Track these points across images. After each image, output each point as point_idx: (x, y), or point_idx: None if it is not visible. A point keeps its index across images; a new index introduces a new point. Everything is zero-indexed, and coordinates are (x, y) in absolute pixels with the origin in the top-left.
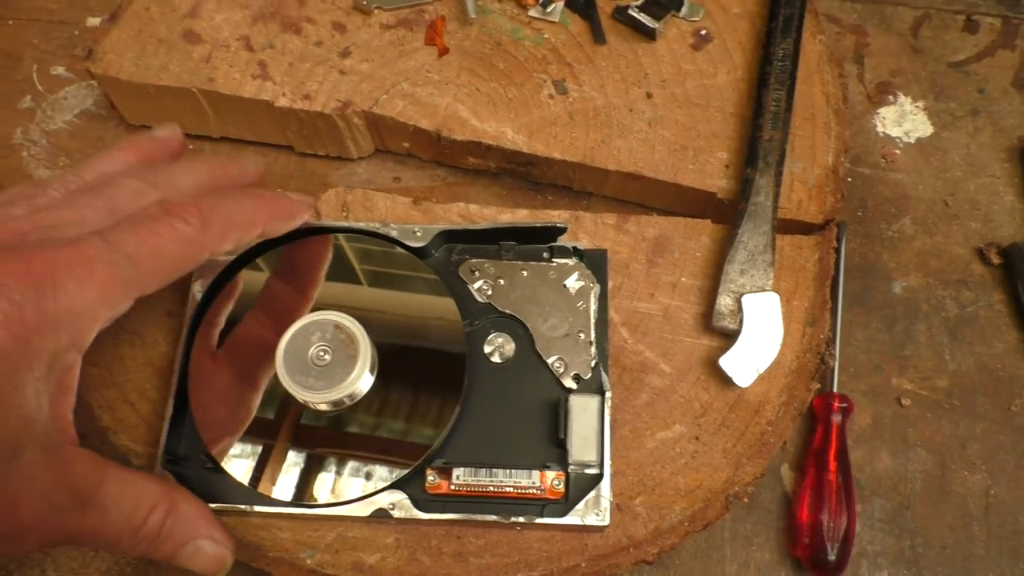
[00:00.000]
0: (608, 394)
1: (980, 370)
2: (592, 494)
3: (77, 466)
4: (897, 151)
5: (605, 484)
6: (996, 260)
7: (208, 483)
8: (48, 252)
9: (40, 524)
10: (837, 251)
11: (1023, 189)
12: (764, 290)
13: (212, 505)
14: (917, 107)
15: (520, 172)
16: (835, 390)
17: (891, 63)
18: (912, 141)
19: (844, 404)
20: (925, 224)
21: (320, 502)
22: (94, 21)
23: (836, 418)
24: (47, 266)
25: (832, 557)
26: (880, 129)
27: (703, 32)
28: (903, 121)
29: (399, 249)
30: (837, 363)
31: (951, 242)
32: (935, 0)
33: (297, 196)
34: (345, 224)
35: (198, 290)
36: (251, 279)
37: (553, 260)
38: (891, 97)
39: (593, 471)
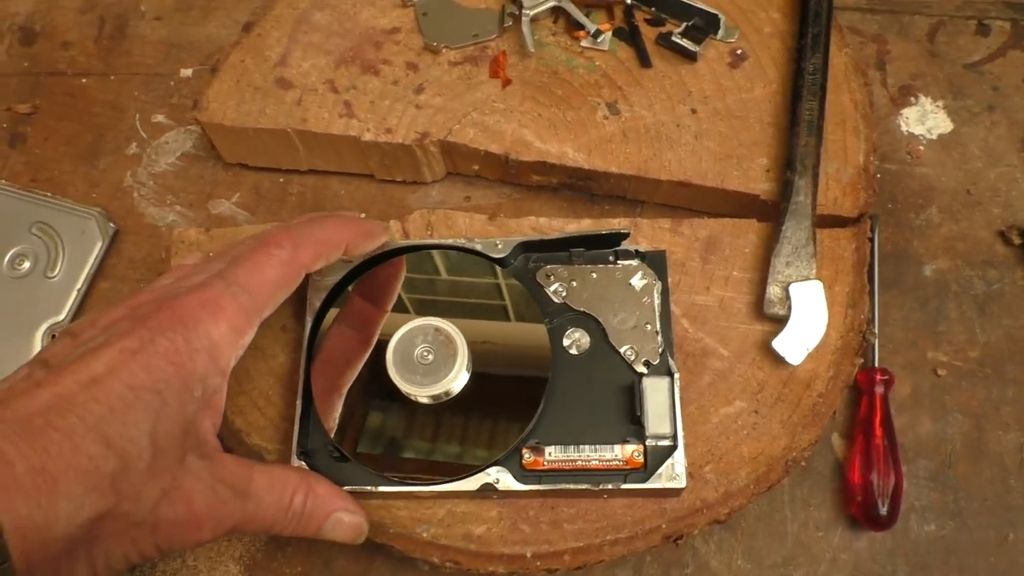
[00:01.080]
0: (676, 375)
1: (1008, 340)
2: (669, 461)
3: (228, 465)
4: (921, 147)
5: (679, 452)
6: (1017, 240)
7: (336, 471)
8: (186, 297)
9: (211, 514)
10: (871, 241)
11: None
12: (808, 279)
13: (342, 489)
14: (937, 106)
15: (579, 186)
16: (876, 365)
17: (911, 67)
18: (934, 137)
19: (885, 377)
20: (950, 212)
21: (435, 480)
22: (187, 72)
23: (879, 389)
24: (187, 308)
25: (884, 512)
26: (904, 128)
27: (739, 51)
28: (925, 120)
29: (481, 268)
30: (877, 340)
31: (975, 227)
32: (948, 7)
33: (374, 221)
34: (435, 241)
35: (312, 305)
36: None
37: (618, 262)
38: (913, 99)
39: (667, 443)
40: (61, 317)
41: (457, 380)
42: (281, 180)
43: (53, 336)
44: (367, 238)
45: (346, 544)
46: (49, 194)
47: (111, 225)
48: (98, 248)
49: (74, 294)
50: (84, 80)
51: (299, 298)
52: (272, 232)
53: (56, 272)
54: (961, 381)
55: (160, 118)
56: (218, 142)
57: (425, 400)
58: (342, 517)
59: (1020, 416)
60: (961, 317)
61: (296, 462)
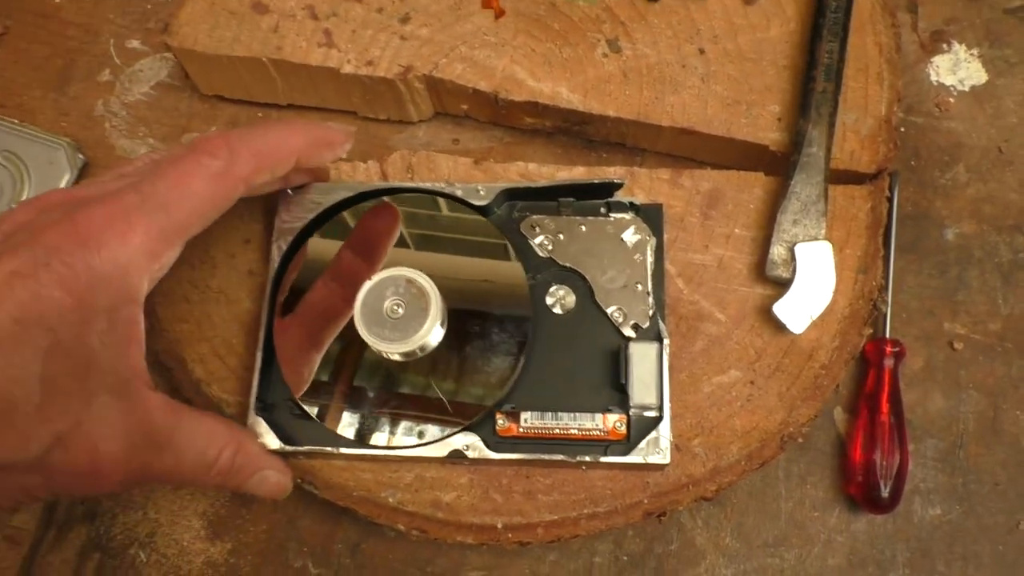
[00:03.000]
0: (666, 341)
1: None
2: (653, 434)
3: (153, 411)
4: (951, 99)
5: (665, 425)
6: None
7: (296, 428)
8: (90, 210)
9: (118, 465)
10: (890, 199)
11: None
12: (817, 239)
13: (302, 448)
14: (971, 55)
15: (575, 131)
16: (887, 335)
17: (945, 11)
18: (966, 89)
19: (896, 348)
20: (979, 171)
21: (400, 444)
22: None
23: (888, 362)
24: (92, 224)
25: (885, 494)
26: (934, 78)
27: None
28: (957, 69)
29: (463, 207)
30: (889, 309)
31: (1005, 188)
32: None
33: (337, 125)
34: (411, 184)
35: (278, 249)
36: (323, 245)
37: (610, 215)
38: (945, 45)
39: (653, 414)
40: None
41: (430, 336)
42: (260, 115)
43: None
44: (324, 147)
45: (270, 499)
46: (16, 121)
47: (80, 156)
48: (66, 180)
49: None
50: (57, 0)
51: (267, 239)
52: (206, 138)
53: None
54: (979, 356)
55: (135, 43)
56: (191, 71)
57: (397, 357)
58: (268, 476)
59: None
60: (983, 286)
61: (253, 417)
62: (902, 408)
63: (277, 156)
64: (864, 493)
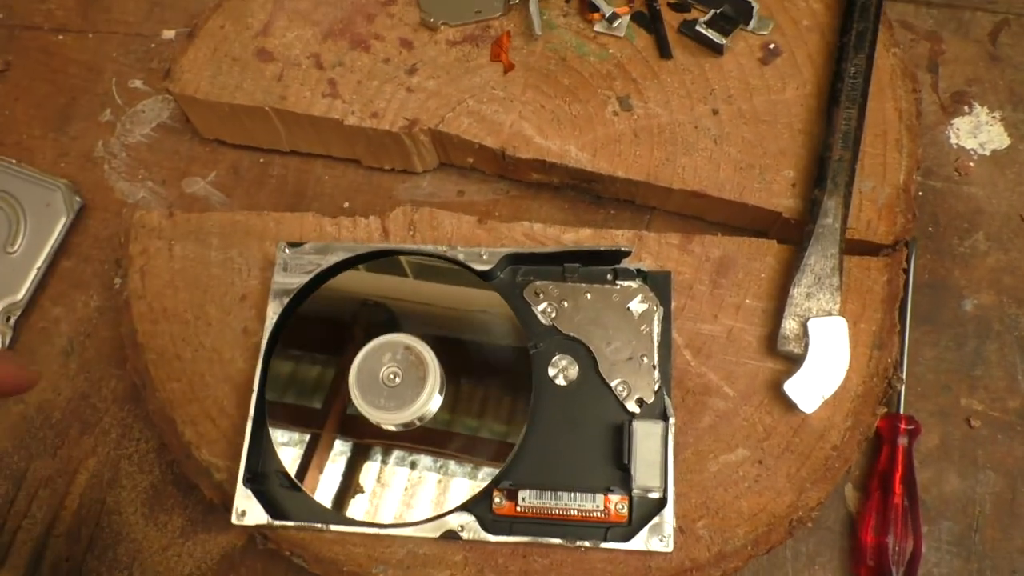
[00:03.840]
0: (672, 420)
1: None
2: (656, 520)
3: None
4: (971, 163)
5: (669, 510)
6: None
7: (285, 501)
8: None
9: None
10: (906, 269)
11: None
12: (831, 314)
13: (290, 523)
14: (994, 117)
15: (583, 187)
16: (902, 411)
17: (967, 72)
18: (987, 153)
19: (911, 426)
20: (999, 240)
21: (392, 522)
22: (169, 34)
23: (902, 440)
24: None
25: None
26: (954, 141)
27: (772, 46)
28: (978, 132)
29: (465, 271)
30: (904, 384)
31: None
32: (1016, 4)
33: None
34: (412, 247)
35: (274, 309)
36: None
37: (617, 282)
38: (966, 107)
39: (656, 495)
40: (19, 296)
41: (428, 405)
42: (262, 160)
43: (9, 319)
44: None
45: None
46: (14, 161)
47: (77, 199)
48: (62, 223)
49: (34, 272)
50: (61, 36)
51: (264, 297)
52: None
53: (16, 247)
54: (997, 434)
55: (137, 83)
56: (192, 116)
57: (392, 427)
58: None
59: None
60: (1002, 360)
61: (241, 488)
62: (916, 489)
63: None
64: None
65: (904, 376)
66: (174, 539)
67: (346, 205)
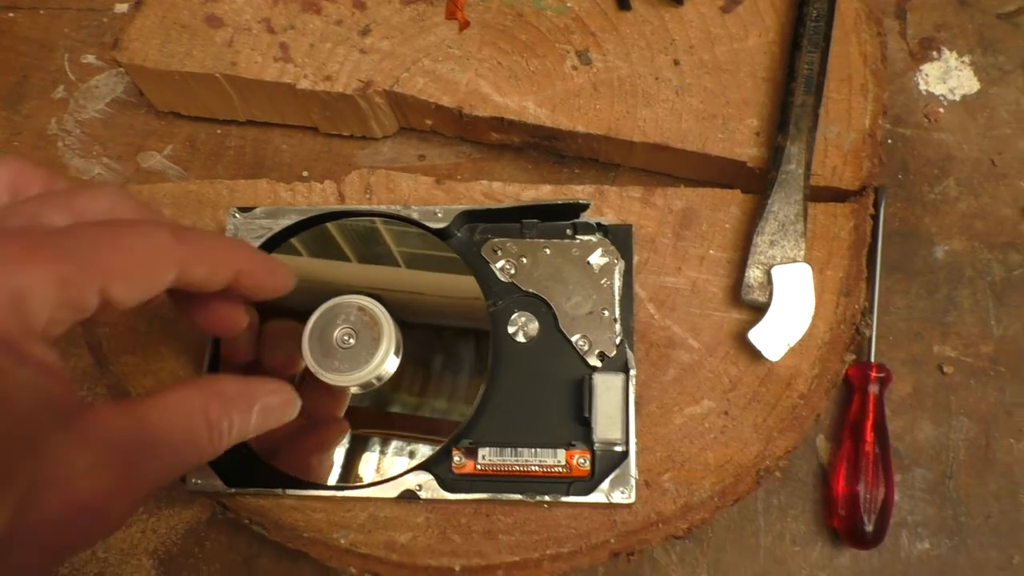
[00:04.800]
0: (632, 372)
1: None
2: (617, 472)
3: (111, 425)
4: (941, 110)
5: (630, 462)
6: None
7: (242, 468)
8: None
9: (113, 494)
10: (875, 216)
11: None
12: (795, 261)
13: (248, 490)
14: (963, 62)
15: (545, 146)
16: (872, 359)
17: (935, 17)
18: (957, 99)
19: (882, 374)
20: (970, 185)
21: (349, 484)
22: (122, 7)
23: (873, 388)
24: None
25: (869, 528)
26: (923, 87)
27: None
28: (947, 78)
29: (422, 230)
30: (875, 332)
31: (998, 203)
32: None
33: (284, 266)
34: (365, 208)
35: None
36: None
37: (576, 237)
38: (935, 53)
39: (619, 449)
40: None
41: (383, 367)
42: (219, 132)
43: None
44: (267, 274)
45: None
46: None
47: None
48: None
49: None
50: (12, 14)
51: None
52: (156, 219)
53: None
54: (970, 380)
55: (90, 59)
56: (144, 87)
57: (355, 389)
58: (268, 404)
59: None
60: (975, 306)
61: None
62: (888, 437)
63: (218, 262)
64: (847, 527)
65: (875, 325)
66: (138, 516)
67: (305, 174)
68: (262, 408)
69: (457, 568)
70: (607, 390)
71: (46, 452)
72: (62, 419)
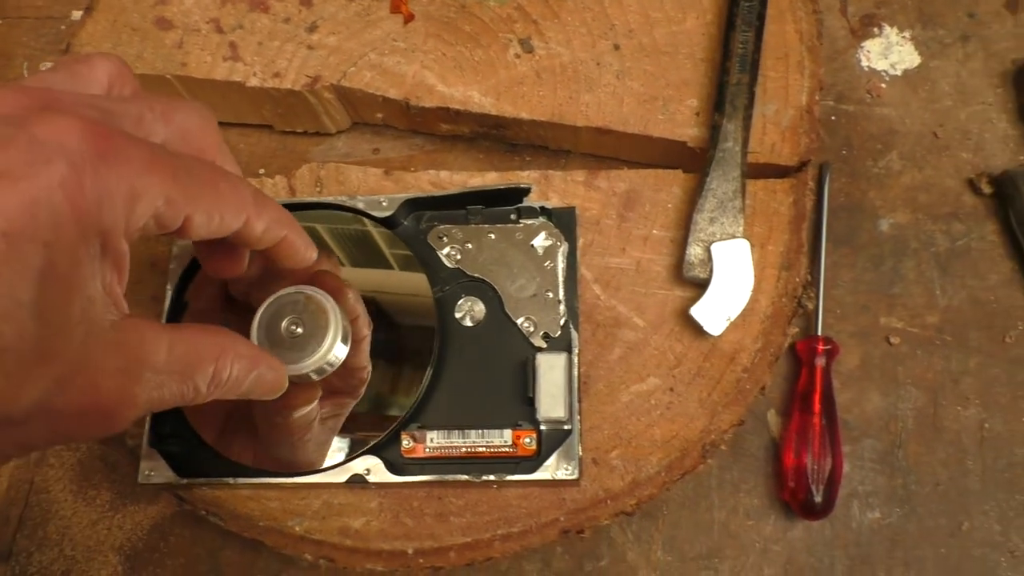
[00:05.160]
0: (576, 350)
1: (973, 304)
2: (561, 449)
3: (142, 336)
4: (883, 85)
5: (574, 439)
6: (987, 190)
7: (193, 459)
8: (115, 128)
9: (124, 400)
10: (819, 191)
11: (1017, 114)
12: (734, 237)
13: (199, 479)
14: (903, 37)
15: (495, 135)
16: (819, 333)
17: None
18: (899, 73)
19: (828, 347)
20: (913, 158)
21: (299, 471)
22: (78, 14)
23: (820, 361)
24: (113, 138)
25: (818, 499)
26: (865, 63)
27: None
28: (889, 53)
29: (367, 220)
30: (821, 305)
31: (941, 175)
32: None
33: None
34: (311, 200)
35: (174, 272)
36: None
37: (520, 221)
38: (876, 29)
39: (565, 428)
40: None
41: (331, 354)
42: None
43: None
44: (279, 226)
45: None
46: None
47: None
48: None
49: None
50: None
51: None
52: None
53: None
54: (916, 350)
55: (49, 66)
56: None
57: (314, 376)
58: (262, 375)
59: (982, 389)
60: (920, 278)
61: (147, 448)
62: (835, 408)
63: (277, 221)
64: (797, 499)
65: (821, 298)
66: (103, 513)
67: (261, 172)
68: (258, 376)
69: (410, 551)
70: (550, 369)
71: (91, 340)
72: (112, 319)
